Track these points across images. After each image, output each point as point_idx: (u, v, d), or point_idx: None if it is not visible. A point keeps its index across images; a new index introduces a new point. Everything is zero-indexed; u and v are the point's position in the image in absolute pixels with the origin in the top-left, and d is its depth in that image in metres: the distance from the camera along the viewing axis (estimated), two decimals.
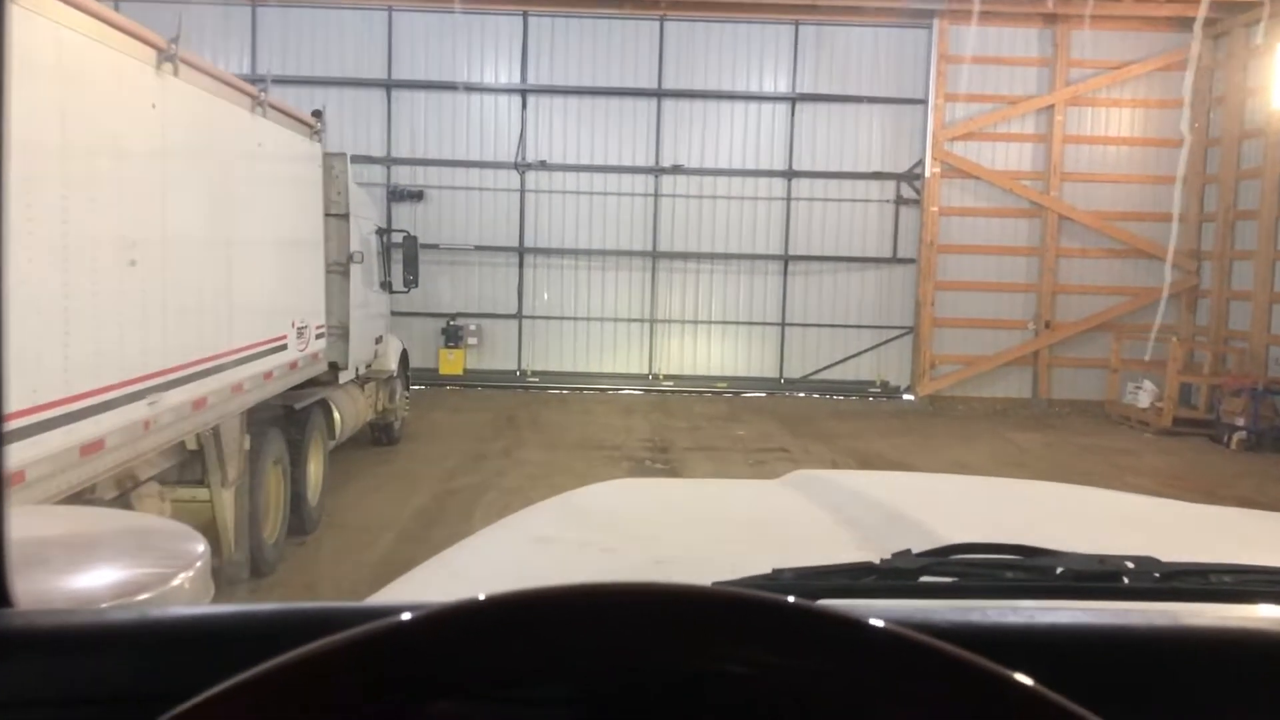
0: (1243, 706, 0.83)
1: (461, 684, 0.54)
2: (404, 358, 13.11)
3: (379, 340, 11.94)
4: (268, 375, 7.29)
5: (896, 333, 17.38)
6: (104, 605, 0.96)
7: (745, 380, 17.42)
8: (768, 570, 1.15)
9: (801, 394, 17.34)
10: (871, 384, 17.40)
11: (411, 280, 12.73)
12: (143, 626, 0.85)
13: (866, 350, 17.40)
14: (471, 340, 17.12)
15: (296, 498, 8.30)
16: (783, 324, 17.41)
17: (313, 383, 9.46)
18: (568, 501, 2.19)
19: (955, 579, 1.12)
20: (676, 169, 17.12)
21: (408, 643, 0.53)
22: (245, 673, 0.51)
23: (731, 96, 17.11)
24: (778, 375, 17.49)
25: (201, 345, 5.93)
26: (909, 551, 1.21)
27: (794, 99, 17.07)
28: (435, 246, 16.93)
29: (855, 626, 0.54)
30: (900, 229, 17.22)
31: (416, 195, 17.01)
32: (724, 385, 17.32)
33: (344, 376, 10.33)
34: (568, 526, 1.97)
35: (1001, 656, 0.54)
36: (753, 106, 17.18)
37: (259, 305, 7.05)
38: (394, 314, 16.97)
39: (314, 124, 8.58)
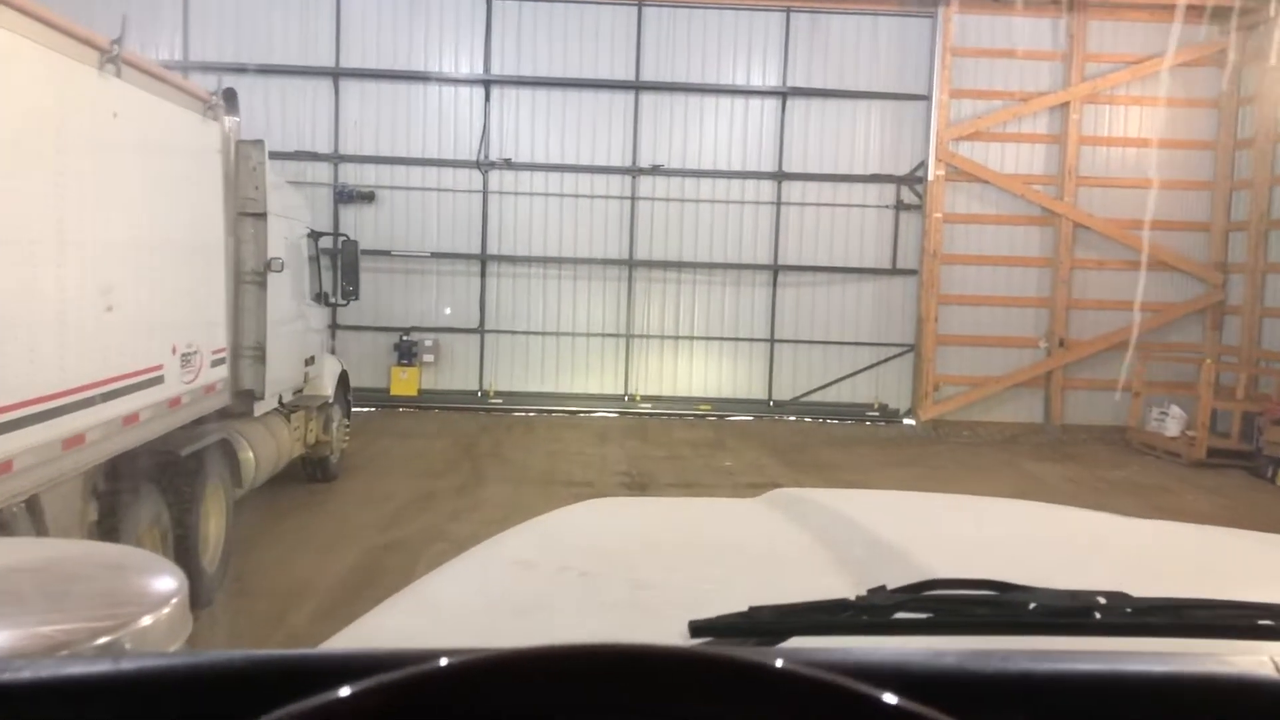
0: None
1: None
2: (343, 380, 11.44)
3: (310, 361, 10.27)
4: (130, 419, 5.60)
5: (896, 351, 15.85)
6: (80, 649, 0.95)
7: (730, 402, 15.83)
8: (744, 606, 1.13)
9: (792, 417, 15.76)
10: (869, 407, 15.85)
11: (351, 291, 11.06)
12: (117, 677, 0.80)
13: (863, 370, 15.85)
14: (427, 357, 15.44)
15: (185, 564, 6.60)
16: (771, 340, 15.83)
17: (222, 414, 7.82)
18: (548, 523, 2.18)
19: (930, 615, 1.12)
20: (655, 169, 15.52)
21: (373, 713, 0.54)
22: None
23: (716, 90, 15.54)
24: (766, 397, 15.91)
25: (4, 387, 4.24)
26: (884, 588, 1.20)
27: (785, 93, 15.52)
28: (387, 253, 15.31)
29: (836, 691, 0.55)
30: (900, 237, 15.71)
31: (367, 196, 15.33)
32: (707, 407, 15.73)
33: (261, 407, 8.70)
34: (547, 550, 1.94)
35: (974, 701, 0.58)
36: (739, 101, 15.62)
37: (116, 327, 5.36)
38: (340, 328, 15.35)
39: (207, 98, 6.87)
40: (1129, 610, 1.12)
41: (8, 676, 0.78)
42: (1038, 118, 15.48)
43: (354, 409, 14.94)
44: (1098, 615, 1.11)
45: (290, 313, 9.54)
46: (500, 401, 15.57)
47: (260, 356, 8.54)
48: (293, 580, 7.66)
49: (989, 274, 15.56)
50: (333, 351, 14.78)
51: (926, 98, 15.42)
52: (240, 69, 14.82)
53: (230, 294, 7.96)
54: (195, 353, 6.63)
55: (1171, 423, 14.01)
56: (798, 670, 0.56)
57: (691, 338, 15.84)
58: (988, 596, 1.16)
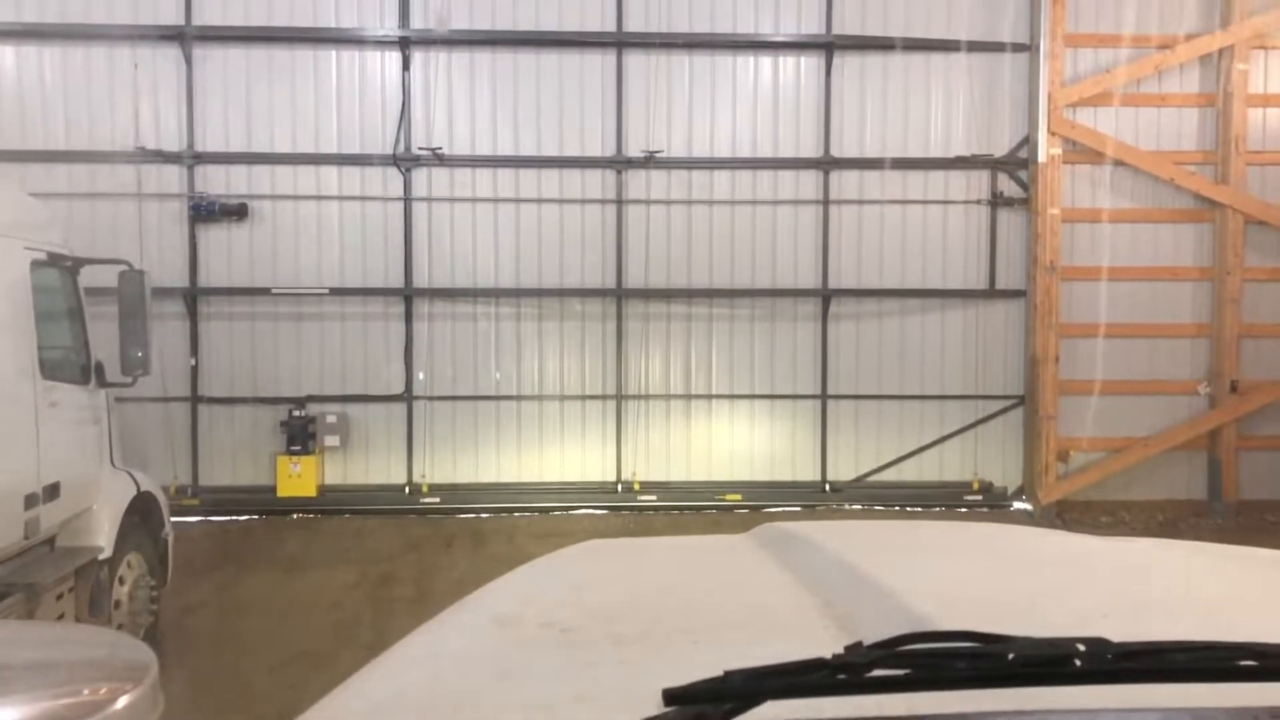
0: None
1: None
2: (144, 508, 6.71)
3: (48, 494, 5.57)
4: None
5: (1000, 405, 11.24)
6: None
7: (768, 487, 11.13)
8: (724, 660, 1.13)
9: (857, 505, 11.09)
10: (965, 487, 11.19)
11: (139, 359, 6.31)
12: None
13: (953, 434, 11.21)
14: (331, 440, 10.68)
15: None
16: (823, 396, 11.19)
17: None
18: (532, 573, 2.18)
19: (907, 672, 1.10)
20: (650, 159, 10.91)
21: None
22: None
23: (733, 44, 10.98)
24: (818, 478, 11.22)
25: None
26: (860, 644, 1.18)
27: (829, 45, 10.98)
28: (267, 291, 10.64)
29: None
30: (1000, 244, 11.16)
31: (236, 211, 10.62)
32: (735, 497, 11.03)
33: None
34: (530, 602, 1.90)
35: None
36: (765, 59, 11.05)
37: None
38: (201, 401, 10.63)
39: None
40: (1109, 656, 1.09)
41: None
42: (1186, 72, 11.00)
43: (229, 518, 10.31)
44: (1078, 663, 1.08)
45: None
46: (438, 500, 10.81)
47: None
48: None
49: (1126, 292, 11.03)
50: (172, 465, 10.08)
51: (1030, 48, 10.93)
52: (43, 32, 10.29)
53: None
54: None
55: None
56: None
57: (709, 396, 11.17)
58: (966, 649, 1.14)
